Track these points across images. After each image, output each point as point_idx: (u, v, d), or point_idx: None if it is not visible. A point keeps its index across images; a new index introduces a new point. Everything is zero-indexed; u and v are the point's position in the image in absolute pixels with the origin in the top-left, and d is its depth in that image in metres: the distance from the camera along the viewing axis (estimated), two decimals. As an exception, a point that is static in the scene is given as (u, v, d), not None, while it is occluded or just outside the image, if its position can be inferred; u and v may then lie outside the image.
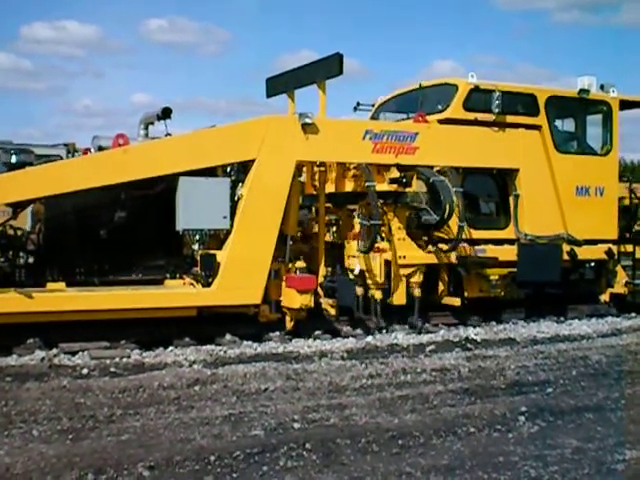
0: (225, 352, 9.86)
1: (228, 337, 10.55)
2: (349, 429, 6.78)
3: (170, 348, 9.94)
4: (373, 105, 14.28)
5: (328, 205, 12.58)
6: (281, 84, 12.67)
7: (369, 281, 11.39)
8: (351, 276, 11.51)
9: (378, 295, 11.37)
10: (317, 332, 11.19)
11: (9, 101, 49.88)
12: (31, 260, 11.01)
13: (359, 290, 11.49)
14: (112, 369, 8.80)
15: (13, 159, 10.65)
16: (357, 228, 11.57)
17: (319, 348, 10.27)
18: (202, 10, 55.98)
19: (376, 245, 11.23)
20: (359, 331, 11.52)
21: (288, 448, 6.19)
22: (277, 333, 10.92)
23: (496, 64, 48.98)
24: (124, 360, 9.27)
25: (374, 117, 13.94)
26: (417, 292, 11.60)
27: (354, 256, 11.46)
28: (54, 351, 9.45)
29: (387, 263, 11.43)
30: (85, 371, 8.69)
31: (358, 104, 14.21)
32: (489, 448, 6.39)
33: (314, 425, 6.89)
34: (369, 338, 11.03)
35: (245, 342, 10.44)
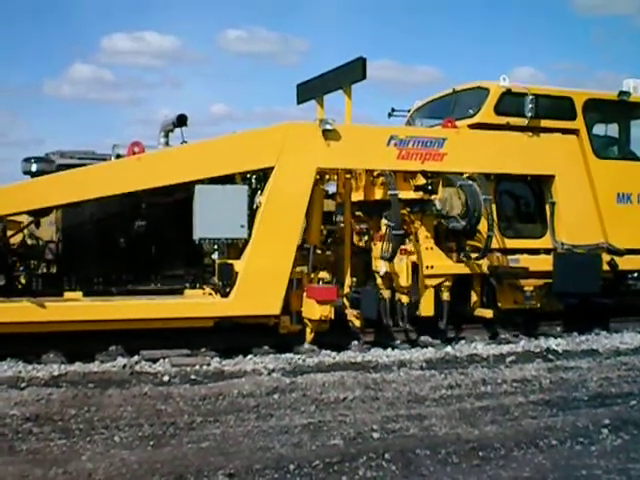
0: (304, 360, 9.91)
1: (306, 346, 10.61)
2: (429, 440, 6.77)
3: (249, 356, 10.00)
4: (409, 111, 13.92)
5: (359, 214, 12.31)
6: (310, 90, 12.43)
7: (395, 284, 11.00)
8: (378, 279, 11.12)
9: (405, 299, 10.98)
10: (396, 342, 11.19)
11: (91, 111, 50.78)
12: (50, 269, 10.95)
13: (386, 293, 11.11)
14: (192, 376, 8.92)
15: (33, 168, 10.65)
16: (384, 230, 11.20)
17: (398, 357, 10.22)
18: (280, 20, 56.10)
19: (402, 247, 10.85)
20: (437, 341, 11.41)
21: (367, 458, 6.20)
22: (355, 342, 11.02)
23: (575, 70, 47.91)
24: (204, 368, 9.38)
25: (409, 123, 13.56)
26: (446, 297, 11.21)
27: (381, 258, 11.06)
28: (135, 358, 9.58)
29: (415, 266, 11.01)
30: (166, 378, 8.79)
31: (393, 110, 13.85)
32: (571, 461, 6.32)
33: (393, 435, 6.89)
34: (448, 348, 10.90)
35: (324, 351, 10.44)
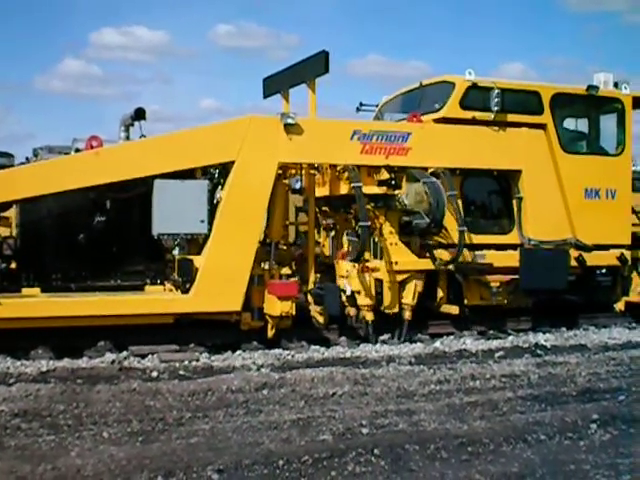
0: (293, 356, 9.96)
1: (295, 341, 10.65)
2: (418, 435, 6.77)
3: (238, 352, 10.03)
4: (377, 105, 13.80)
5: (325, 209, 12.22)
6: (275, 84, 12.32)
7: (360, 302, 10.92)
8: (343, 297, 11.01)
9: (370, 317, 10.93)
10: (385, 336, 11.11)
11: (82, 106, 50.46)
12: (8, 265, 10.77)
13: (351, 311, 11.15)
14: (181, 372, 8.99)
15: (-8, 163, 10.48)
16: (346, 246, 11.18)
17: (387, 353, 10.23)
18: (271, 15, 56.09)
19: (367, 264, 10.79)
20: (426, 336, 11.46)
21: (356, 453, 6.21)
22: (343, 338, 11.07)
23: (567, 67, 48.07)
24: (193, 363, 9.44)
25: (378, 117, 13.44)
26: (409, 298, 11.08)
27: (344, 276, 10.96)
28: (124, 354, 9.58)
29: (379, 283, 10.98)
30: (155, 374, 8.86)
31: (361, 104, 13.72)
32: (560, 456, 6.35)
33: (382, 430, 6.89)
34: (437, 343, 10.92)
35: (313, 346, 10.50)
